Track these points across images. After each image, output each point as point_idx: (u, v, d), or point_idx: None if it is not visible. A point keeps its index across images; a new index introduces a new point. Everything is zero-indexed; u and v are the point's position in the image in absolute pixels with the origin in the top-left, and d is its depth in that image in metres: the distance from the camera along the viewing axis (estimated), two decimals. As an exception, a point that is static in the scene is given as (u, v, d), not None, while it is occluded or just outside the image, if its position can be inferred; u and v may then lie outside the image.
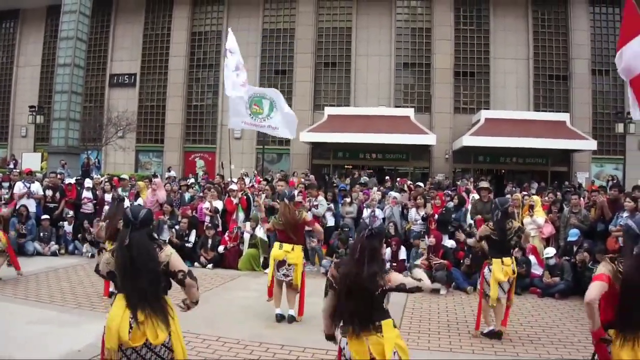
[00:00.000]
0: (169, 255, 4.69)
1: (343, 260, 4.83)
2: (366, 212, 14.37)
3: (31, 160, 27.98)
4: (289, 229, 8.90)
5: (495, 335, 8.16)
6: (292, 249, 8.82)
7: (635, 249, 4.50)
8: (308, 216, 9.05)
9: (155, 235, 5.04)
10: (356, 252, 4.57)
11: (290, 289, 8.91)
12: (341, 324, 4.55)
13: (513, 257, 8.38)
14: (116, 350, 4.41)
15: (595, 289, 4.47)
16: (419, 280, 4.53)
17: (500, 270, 8.17)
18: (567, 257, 11.75)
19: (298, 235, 8.92)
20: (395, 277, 4.50)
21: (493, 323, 8.31)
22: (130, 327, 4.41)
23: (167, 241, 13.70)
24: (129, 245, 4.60)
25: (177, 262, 4.73)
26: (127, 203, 13.37)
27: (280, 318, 8.78)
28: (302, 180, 19.48)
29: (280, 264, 8.84)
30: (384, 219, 14.08)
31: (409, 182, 19.71)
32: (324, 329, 4.91)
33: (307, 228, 9.28)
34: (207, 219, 14.58)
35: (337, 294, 4.55)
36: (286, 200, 9.05)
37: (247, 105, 15.02)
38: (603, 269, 4.59)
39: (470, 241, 9.14)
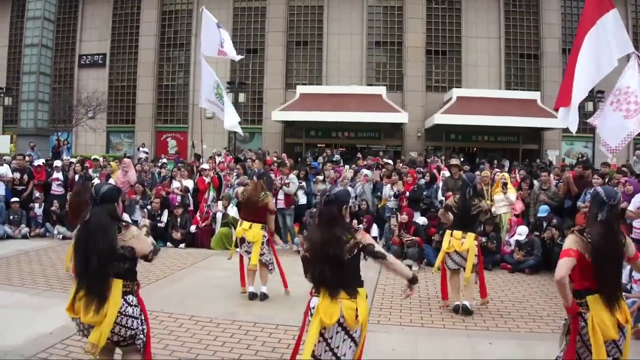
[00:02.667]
0: (132, 238, 4.62)
1: (309, 230, 4.87)
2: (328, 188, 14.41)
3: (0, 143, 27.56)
4: (248, 206, 8.91)
5: (462, 310, 8.22)
6: (250, 227, 8.79)
7: (600, 215, 4.53)
8: (271, 203, 8.95)
9: (126, 216, 5.03)
10: (316, 218, 4.67)
11: (262, 266, 8.90)
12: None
13: (469, 234, 8.30)
14: (67, 310, 4.62)
15: (563, 266, 4.49)
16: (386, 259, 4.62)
17: (447, 240, 8.42)
18: (537, 233, 11.89)
19: (257, 214, 8.84)
20: (368, 237, 4.58)
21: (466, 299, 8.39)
22: (74, 299, 4.54)
23: (139, 222, 13.65)
24: (88, 220, 4.59)
25: (142, 248, 4.70)
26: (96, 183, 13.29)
27: (252, 296, 8.78)
28: (275, 158, 19.42)
29: (242, 240, 8.89)
30: (355, 196, 14.11)
31: (383, 159, 19.78)
32: None
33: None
34: (178, 198, 14.51)
35: (312, 265, 4.54)
36: (255, 178, 9.04)
37: (215, 85, 14.96)
38: (570, 242, 4.61)
39: (440, 212, 9.28)
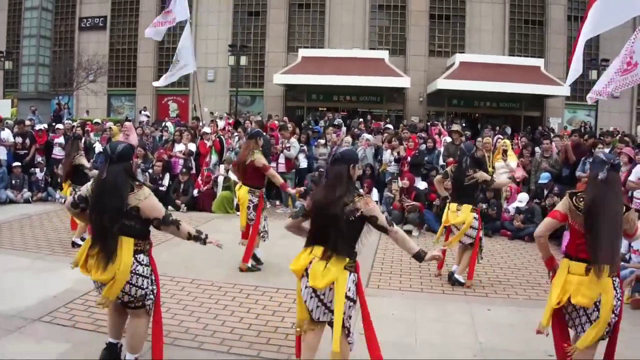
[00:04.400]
0: (141, 200, 4.65)
1: (315, 189, 4.89)
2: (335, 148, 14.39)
3: (1, 107, 27.41)
4: (238, 167, 8.73)
5: (450, 278, 8.22)
6: (239, 188, 8.68)
7: (601, 174, 4.45)
8: (259, 160, 8.43)
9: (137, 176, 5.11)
10: (323, 178, 4.70)
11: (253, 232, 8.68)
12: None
13: (465, 206, 8.13)
14: (76, 263, 4.79)
15: (543, 225, 4.76)
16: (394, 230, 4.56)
17: (445, 213, 8.38)
18: (537, 201, 11.92)
19: (246, 176, 8.57)
20: (373, 207, 4.49)
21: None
22: (87, 257, 4.68)
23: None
24: (105, 179, 4.66)
25: (150, 209, 4.70)
26: (98, 147, 13.29)
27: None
28: (276, 123, 19.36)
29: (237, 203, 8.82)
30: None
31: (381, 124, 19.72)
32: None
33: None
34: (181, 162, 14.52)
35: (311, 222, 4.59)
36: (251, 139, 8.69)
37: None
38: (560, 205, 4.72)
39: (437, 179, 9.22)
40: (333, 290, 4.35)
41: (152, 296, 4.79)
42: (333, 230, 4.35)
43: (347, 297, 4.35)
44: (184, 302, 6.90)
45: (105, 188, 4.62)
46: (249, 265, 8.53)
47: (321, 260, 4.35)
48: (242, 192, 8.58)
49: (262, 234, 8.74)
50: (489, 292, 7.89)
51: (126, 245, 4.60)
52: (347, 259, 4.39)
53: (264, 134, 13.37)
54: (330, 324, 4.47)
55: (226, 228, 11.19)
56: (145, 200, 4.68)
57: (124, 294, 4.63)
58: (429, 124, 23.50)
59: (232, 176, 13.58)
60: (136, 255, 4.65)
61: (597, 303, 4.35)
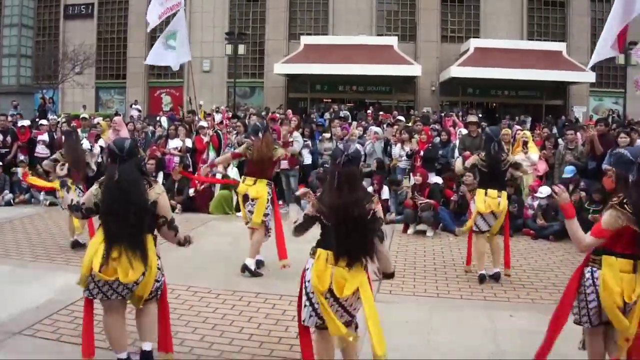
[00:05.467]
0: (159, 193, 4.94)
1: (323, 192, 4.80)
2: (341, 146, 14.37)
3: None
4: (258, 164, 8.71)
5: (492, 277, 8.29)
6: (254, 183, 8.64)
7: (630, 176, 4.44)
8: (280, 152, 8.86)
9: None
10: (334, 181, 4.56)
11: (253, 230, 8.75)
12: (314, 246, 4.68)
13: (504, 192, 8.34)
14: (87, 276, 4.83)
15: (591, 245, 4.59)
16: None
17: (482, 200, 8.27)
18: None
19: (264, 170, 8.70)
20: (380, 209, 4.62)
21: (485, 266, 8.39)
22: (104, 261, 4.73)
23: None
24: (120, 179, 4.75)
25: (164, 206, 4.99)
26: (86, 144, 13.21)
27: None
28: (278, 115, 19.31)
29: (245, 199, 8.76)
30: (365, 156, 14.03)
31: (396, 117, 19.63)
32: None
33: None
34: (176, 159, 14.47)
35: (329, 225, 4.54)
36: (260, 135, 8.83)
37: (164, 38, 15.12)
38: (607, 221, 4.52)
39: (457, 168, 9.20)
40: (355, 294, 4.49)
41: (161, 287, 5.17)
42: (358, 234, 4.41)
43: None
44: (179, 311, 6.81)
45: (124, 188, 4.73)
46: (285, 263, 8.48)
47: (345, 267, 4.44)
48: (261, 186, 8.64)
49: (268, 233, 8.84)
50: (511, 296, 7.82)
51: (150, 242, 4.92)
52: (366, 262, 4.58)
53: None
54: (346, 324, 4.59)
55: (225, 230, 11.14)
56: (162, 194, 4.98)
57: (129, 290, 4.92)
58: (442, 115, 23.44)
59: (232, 174, 13.52)
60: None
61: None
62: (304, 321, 4.65)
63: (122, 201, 4.70)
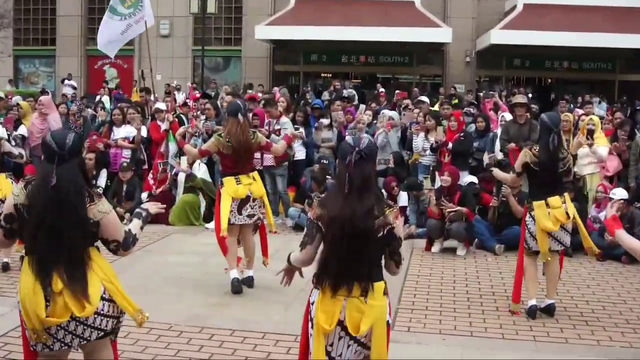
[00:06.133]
0: (105, 213, 4.71)
1: (329, 196, 4.89)
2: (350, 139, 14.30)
3: None
4: (240, 153, 8.90)
5: (545, 311, 8.30)
6: (254, 179, 9.00)
7: None
8: (260, 137, 9.13)
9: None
10: (344, 185, 4.59)
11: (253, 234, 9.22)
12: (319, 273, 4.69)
13: (566, 195, 8.29)
14: (42, 330, 4.56)
15: None
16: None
17: (545, 215, 8.13)
18: (638, 204, 11.81)
19: (251, 161, 9.12)
20: (401, 224, 4.70)
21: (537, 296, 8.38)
22: (47, 301, 4.52)
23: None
24: (57, 186, 4.58)
25: (111, 229, 4.77)
26: (1, 132, 13.29)
27: (237, 284, 8.89)
28: (259, 95, 19.32)
29: (244, 202, 8.93)
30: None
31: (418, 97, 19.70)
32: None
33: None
34: (125, 153, 14.47)
35: (328, 242, 4.63)
36: (240, 117, 8.97)
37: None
38: None
39: (505, 178, 9.20)
40: (344, 339, 4.59)
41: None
42: (366, 254, 4.52)
43: (388, 324, 4.66)
44: (129, 354, 6.89)
45: (64, 196, 4.57)
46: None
47: (359, 298, 4.53)
48: (260, 182, 9.25)
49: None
50: (569, 336, 7.83)
51: (95, 254, 4.79)
52: (384, 283, 4.66)
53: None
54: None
55: (190, 247, 11.23)
56: (107, 216, 4.74)
57: (93, 329, 4.70)
58: (480, 94, 23.52)
59: (199, 173, 13.55)
60: None
61: None
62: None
63: (59, 214, 4.54)
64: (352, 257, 4.50)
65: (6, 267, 9.71)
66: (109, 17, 16.81)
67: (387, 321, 4.63)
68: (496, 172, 9.38)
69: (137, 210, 5.25)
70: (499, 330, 7.98)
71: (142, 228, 5.12)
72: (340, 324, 4.53)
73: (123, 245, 4.84)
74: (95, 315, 4.61)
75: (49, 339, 4.61)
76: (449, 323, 8.18)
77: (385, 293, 4.66)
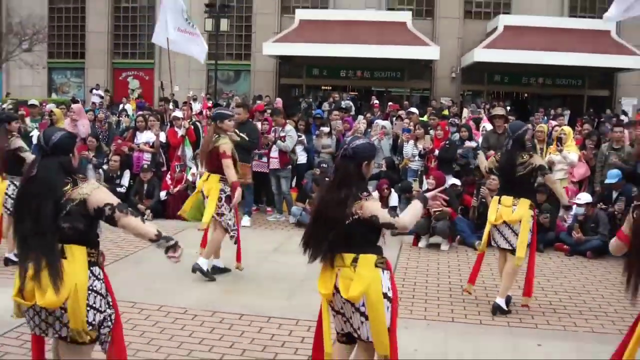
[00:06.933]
0: (88, 193, 4.48)
1: (319, 187, 5.12)
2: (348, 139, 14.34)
3: None
4: (202, 154, 9.35)
5: (496, 309, 8.11)
6: (207, 178, 9.15)
7: None
8: (223, 147, 8.97)
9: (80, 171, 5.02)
10: (331, 175, 4.98)
11: (217, 229, 9.25)
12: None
13: (523, 200, 8.07)
14: (15, 306, 4.57)
15: (613, 248, 5.02)
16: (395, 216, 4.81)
17: (494, 209, 8.23)
18: (603, 206, 11.85)
19: (213, 163, 9.09)
20: (369, 206, 4.74)
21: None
22: (23, 283, 4.44)
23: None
24: (34, 176, 4.54)
25: (99, 198, 4.50)
26: (36, 136, 13.30)
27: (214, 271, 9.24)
28: (266, 104, 19.37)
29: (203, 196, 9.21)
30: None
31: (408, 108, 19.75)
32: None
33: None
34: (146, 156, 14.52)
35: (312, 227, 4.93)
36: (213, 122, 9.26)
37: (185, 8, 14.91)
38: (625, 223, 4.84)
39: (482, 162, 9.25)
40: (347, 305, 4.78)
41: (109, 323, 4.65)
42: (342, 235, 4.72)
43: (385, 296, 4.76)
44: (148, 335, 6.92)
45: (35, 187, 4.50)
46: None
47: (349, 267, 4.73)
48: (213, 181, 9.09)
49: (231, 232, 9.18)
50: (539, 322, 7.88)
51: (79, 255, 4.48)
52: (375, 256, 4.78)
53: (249, 119, 13.49)
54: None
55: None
56: (95, 190, 4.52)
57: (62, 325, 4.44)
58: (466, 108, 23.56)
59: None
60: (91, 268, 4.53)
61: None
62: (340, 329, 5.01)
63: (33, 201, 4.43)
64: (326, 234, 4.75)
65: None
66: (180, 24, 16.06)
67: (385, 293, 4.73)
68: (480, 156, 9.43)
69: (171, 240, 5.07)
70: (477, 317, 8.01)
71: (160, 237, 4.97)
72: (338, 290, 4.73)
73: (118, 206, 4.52)
74: (62, 311, 4.37)
75: (20, 316, 4.64)
76: (433, 310, 8.22)
77: (380, 267, 4.77)
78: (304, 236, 4.96)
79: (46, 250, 4.37)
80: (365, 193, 4.78)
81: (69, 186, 4.49)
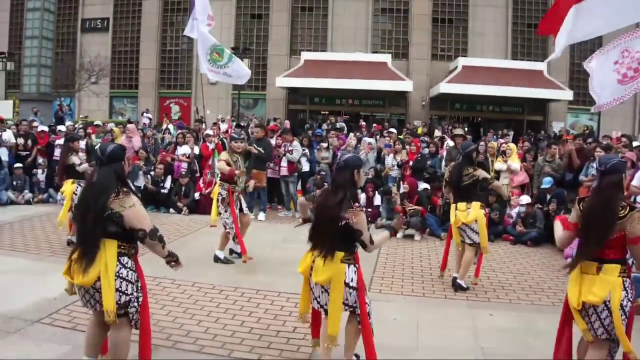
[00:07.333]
0: (125, 207, 4.44)
1: (321, 192, 5.23)
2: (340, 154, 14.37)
3: (2, 108, 27.40)
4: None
5: (457, 287, 8.06)
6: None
7: (595, 182, 4.59)
8: (221, 156, 9.32)
9: (131, 182, 4.97)
10: (329, 183, 5.13)
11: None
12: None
13: (474, 203, 8.00)
14: (68, 282, 4.69)
15: (561, 240, 4.96)
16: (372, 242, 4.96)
17: (452, 214, 8.22)
18: (539, 206, 11.89)
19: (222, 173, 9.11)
20: (360, 222, 4.80)
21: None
22: (70, 262, 4.56)
23: (142, 187, 13.68)
24: (93, 182, 4.59)
25: (134, 219, 4.47)
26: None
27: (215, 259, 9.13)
28: (277, 126, 19.30)
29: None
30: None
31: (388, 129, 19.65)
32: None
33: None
34: (184, 165, 14.54)
35: (314, 218, 5.04)
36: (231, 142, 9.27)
37: (208, 51, 14.64)
38: (572, 214, 4.78)
39: (444, 190, 9.20)
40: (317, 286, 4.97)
41: (136, 304, 4.57)
42: (329, 231, 4.79)
43: (347, 285, 4.86)
44: (184, 305, 6.90)
45: (92, 190, 4.53)
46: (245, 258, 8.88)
47: (321, 258, 4.79)
48: (216, 187, 9.32)
49: (227, 229, 9.05)
50: (491, 297, 7.88)
51: (110, 247, 4.45)
52: (343, 253, 4.85)
53: (265, 137, 13.42)
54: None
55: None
56: (131, 208, 4.46)
57: (96, 301, 4.48)
58: (437, 129, 23.51)
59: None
60: (120, 258, 4.49)
61: (607, 302, 4.44)
62: (312, 302, 5.16)
63: (87, 203, 4.48)
64: (320, 231, 4.90)
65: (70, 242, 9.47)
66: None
67: (347, 282, 4.83)
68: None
69: (174, 256, 4.86)
70: (443, 292, 7.99)
71: (169, 255, 4.79)
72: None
73: (150, 234, 4.49)
74: (94, 290, 4.43)
75: (72, 292, 4.76)
76: (408, 287, 8.17)
77: (346, 262, 4.86)
78: (310, 231, 5.03)
79: (88, 240, 4.44)
80: (357, 204, 4.78)
81: (113, 195, 4.47)
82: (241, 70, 14.02)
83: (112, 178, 4.54)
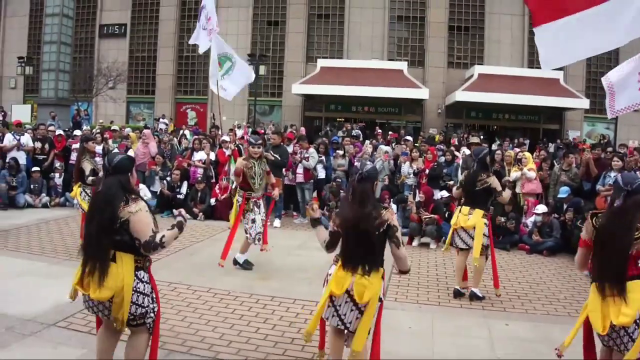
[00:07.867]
0: (132, 212, 4.37)
1: (341, 205, 5.04)
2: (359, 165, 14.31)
3: (21, 112, 27.66)
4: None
5: (470, 296, 8.00)
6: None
7: (617, 201, 4.47)
8: (235, 164, 9.48)
9: (143, 187, 4.98)
10: (349, 196, 4.83)
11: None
12: (338, 253, 4.82)
13: (477, 210, 7.89)
14: (76, 291, 4.59)
15: (578, 258, 4.79)
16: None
17: (455, 216, 8.18)
18: (556, 215, 11.82)
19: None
20: (393, 218, 4.73)
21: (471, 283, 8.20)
22: (83, 275, 4.44)
23: (158, 193, 13.71)
24: (100, 192, 4.57)
25: (137, 227, 4.37)
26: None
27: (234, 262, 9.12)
28: (293, 133, 19.32)
29: None
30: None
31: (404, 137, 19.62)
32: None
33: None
34: (200, 171, 14.56)
35: (343, 236, 4.74)
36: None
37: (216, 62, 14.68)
38: (583, 231, 4.68)
39: (454, 192, 9.15)
40: (348, 304, 4.68)
41: (152, 314, 4.57)
42: (368, 246, 4.62)
43: (380, 299, 4.71)
44: (200, 311, 6.90)
45: (99, 200, 4.50)
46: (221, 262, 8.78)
47: (363, 276, 4.58)
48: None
49: (255, 237, 9.01)
50: (507, 306, 7.81)
51: (127, 262, 4.40)
52: (382, 270, 4.74)
53: (282, 144, 13.41)
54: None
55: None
56: (137, 213, 4.39)
57: (108, 310, 4.46)
58: (454, 135, 23.46)
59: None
60: (136, 272, 4.44)
61: (638, 320, 4.28)
62: (326, 318, 4.80)
63: (93, 214, 4.47)
64: (358, 247, 4.61)
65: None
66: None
67: (380, 297, 4.67)
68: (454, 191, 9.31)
69: (178, 219, 4.70)
70: (458, 302, 7.92)
71: (176, 237, 4.65)
72: (348, 292, 4.59)
73: (144, 245, 4.35)
74: (109, 303, 4.37)
75: (75, 298, 4.71)
76: (423, 296, 8.12)
77: (382, 277, 4.73)
78: (343, 249, 4.74)
79: (99, 254, 4.37)
80: (386, 204, 4.75)
81: (122, 204, 4.42)
82: (240, 76, 14.08)
83: (117, 188, 4.48)
